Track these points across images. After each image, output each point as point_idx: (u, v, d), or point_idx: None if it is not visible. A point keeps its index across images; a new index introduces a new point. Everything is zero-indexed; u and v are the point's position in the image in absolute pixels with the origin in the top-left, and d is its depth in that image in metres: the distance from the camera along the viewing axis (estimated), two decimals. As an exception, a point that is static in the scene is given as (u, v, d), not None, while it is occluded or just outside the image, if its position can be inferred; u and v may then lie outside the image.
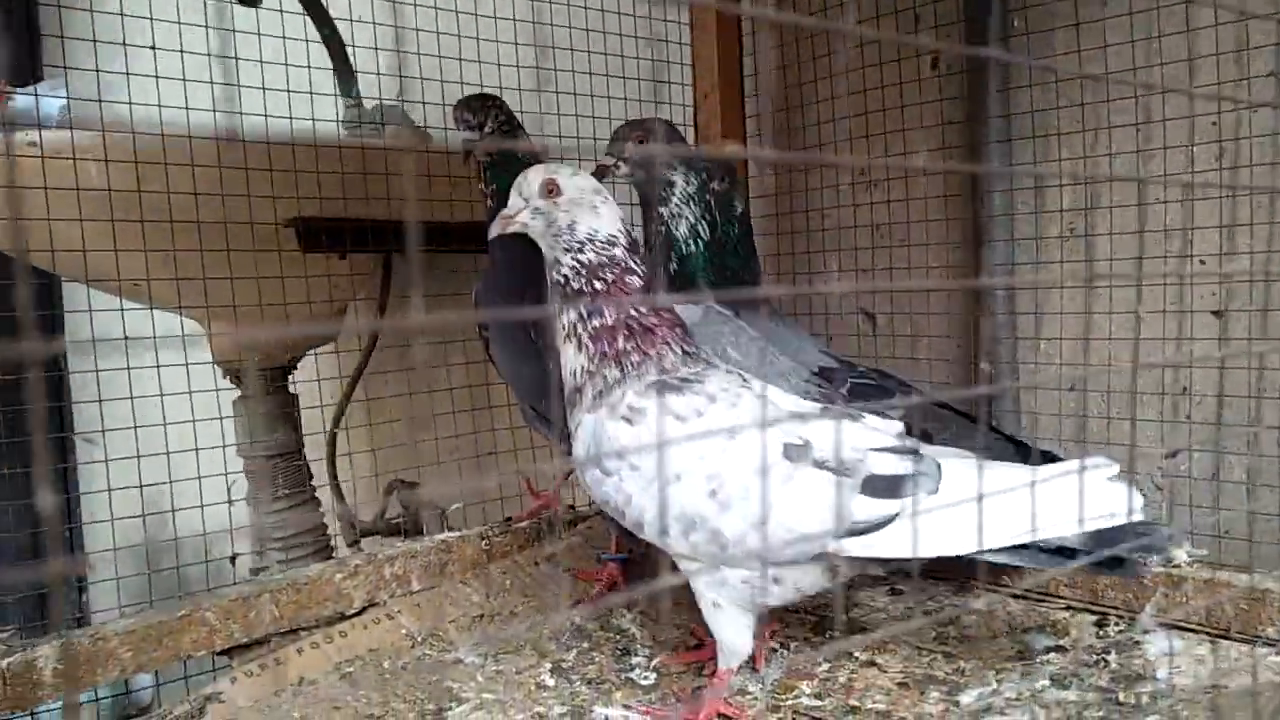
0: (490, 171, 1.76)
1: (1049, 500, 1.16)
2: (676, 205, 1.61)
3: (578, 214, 1.29)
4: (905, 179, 2.02)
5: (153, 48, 1.96)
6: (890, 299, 2.04)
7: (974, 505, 1.19)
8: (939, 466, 1.24)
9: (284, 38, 2.09)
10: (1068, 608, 1.56)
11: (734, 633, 1.28)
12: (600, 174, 1.65)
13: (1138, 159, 1.74)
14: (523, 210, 1.31)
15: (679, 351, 1.29)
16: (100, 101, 1.97)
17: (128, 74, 1.95)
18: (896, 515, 1.19)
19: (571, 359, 1.29)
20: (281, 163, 1.94)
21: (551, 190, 1.29)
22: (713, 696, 1.30)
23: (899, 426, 1.35)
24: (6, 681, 1.25)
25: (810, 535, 1.20)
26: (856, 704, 1.31)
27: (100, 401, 2.09)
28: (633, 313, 1.28)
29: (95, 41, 1.95)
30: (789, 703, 1.33)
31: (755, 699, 1.35)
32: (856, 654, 1.46)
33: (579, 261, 1.29)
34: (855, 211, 2.11)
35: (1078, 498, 1.16)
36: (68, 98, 2.20)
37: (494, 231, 1.35)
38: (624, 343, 1.27)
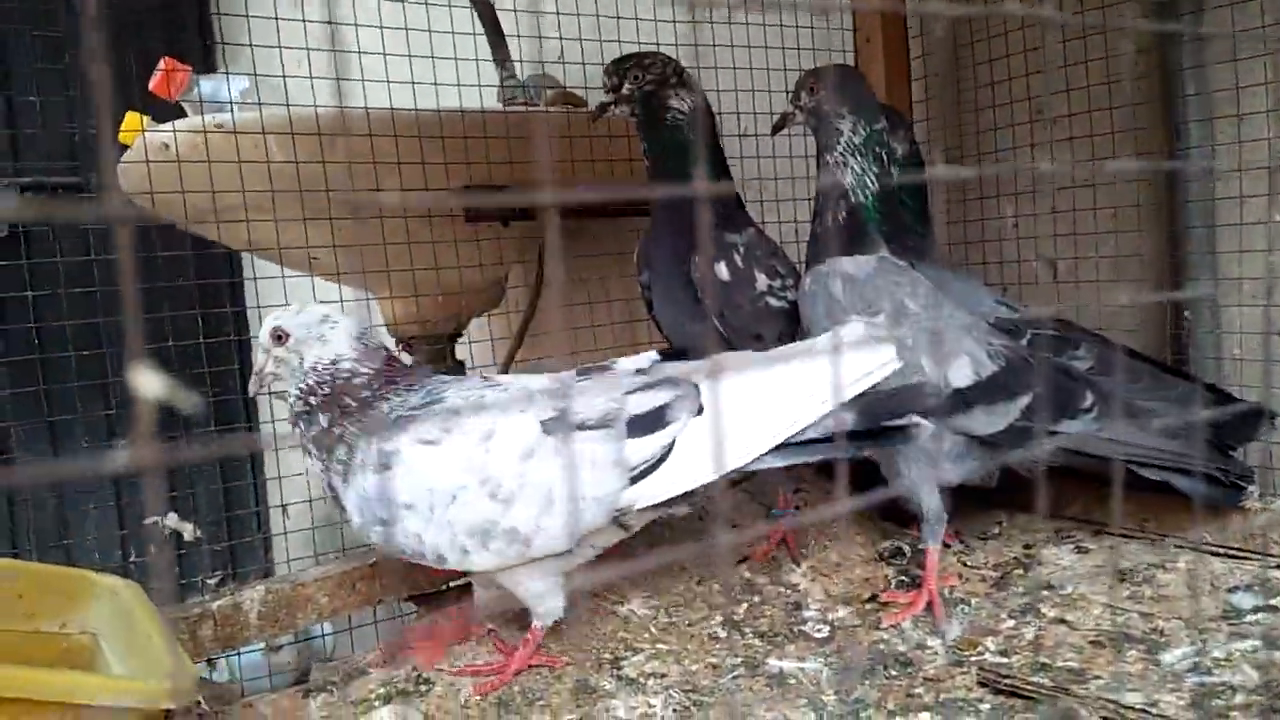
0: (642, 133, 1.74)
1: (810, 382, 1.23)
2: (840, 154, 1.56)
3: (305, 350, 1.31)
4: (1089, 113, 1.89)
5: (331, 22, 2.03)
6: (1074, 243, 1.92)
7: (742, 411, 1.22)
8: (696, 387, 1.26)
9: (450, 6, 2.13)
10: (1276, 566, 1.45)
11: (550, 601, 1.32)
12: (782, 123, 1.66)
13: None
14: (266, 363, 1.34)
15: (401, 393, 1.31)
16: (282, 77, 2.05)
17: (306, 48, 2.03)
18: (673, 443, 1.22)
19: (313, 472, 1.33)
20: (451, 134, 1.99)
21: (280, 337, 1.33)
22: (524, 654, 1.33)
23: (654, 356, 1.41)
24: (217, 623, 1.35)
25: (601, 496, 1.23)
26: (1047, 661, 1.25)
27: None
28: (346, 400, 1.29)
29: (277, 18, 2.03)
30: (973, 659, 1.29)
31: (936, 654, 1.31)
32: (1044, 610, 1.40)
33: (300, 389, 1.31)
34: (1033, 152, 1.99)
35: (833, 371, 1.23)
36: (246, 74, 2.32)
37: (251, 390, 1.37)
38: (338, 429, 1.28)
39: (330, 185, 1.89)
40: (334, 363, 1.31)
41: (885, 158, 1.59)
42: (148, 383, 0.34)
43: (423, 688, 1.32)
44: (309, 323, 1.33)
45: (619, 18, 2.13)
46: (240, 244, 2.34)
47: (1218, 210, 1.72)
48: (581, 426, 1.24)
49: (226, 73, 2.18)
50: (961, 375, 1.47)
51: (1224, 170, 1.72)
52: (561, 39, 2.13)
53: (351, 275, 2.25)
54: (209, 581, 1.42)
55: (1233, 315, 1.69)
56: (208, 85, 2.34)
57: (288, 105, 2.04)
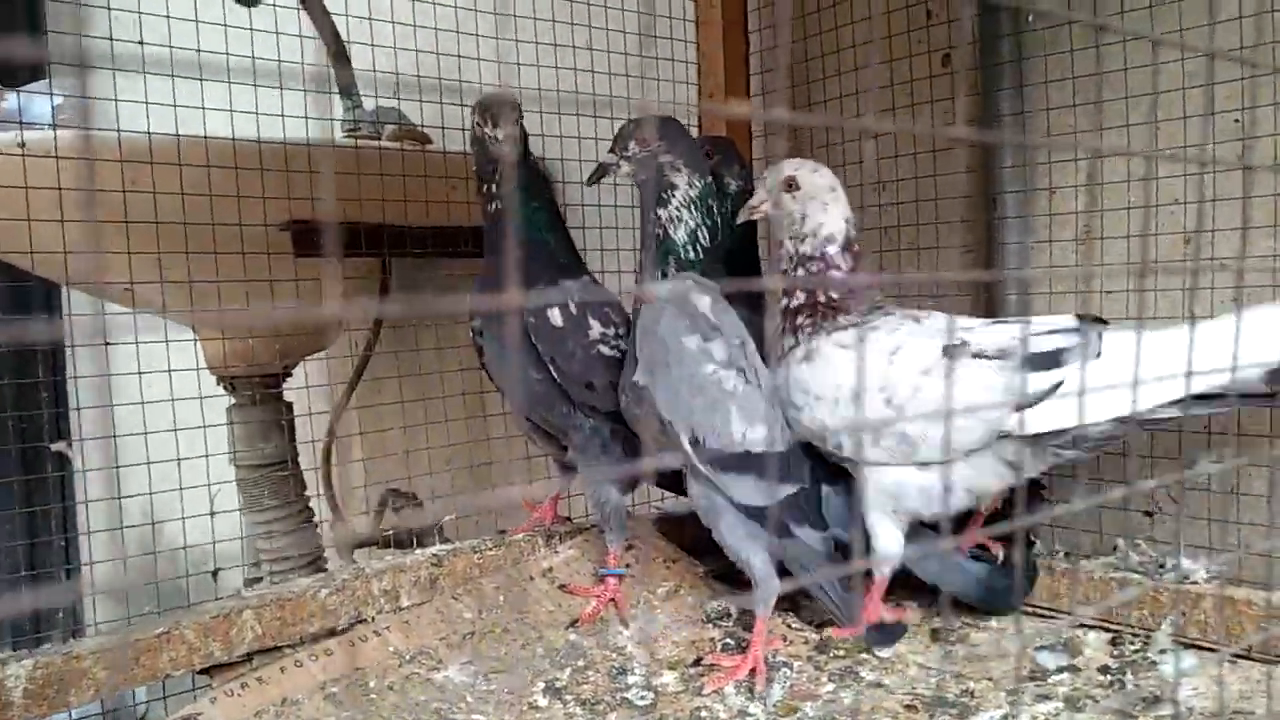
0: (501, 175, 1.66)
1: (1206, 350, 1.21)
2: (676, 209, 1.52)
3: (809, 208, 1.47)
4: (915, 180, 1.95)
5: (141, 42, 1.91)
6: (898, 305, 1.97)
7: (1135, 363, 1.25)
8: (1100, 336, 1.34)
9: (277, 32, 2.04)
10: (1079, 625, 1.50)
11: (887, 539, 1.45)
12: (601, 173, 1.57)
13: (1154, 163, 1.67)
14: (764, 202, 1.50)
15: (848, 314, 1.47)
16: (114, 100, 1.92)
17: (113, 69, 1.91)
18: (1061, 383, 1.31)
19: (769, 327, 1.51)
20: (275, 164, 1.89)
21: (790, 185, 1.47)
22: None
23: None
24: (-25, 702, 1.21)
25: (986, 418, 1.34)
26: (861, 729, 1.25)
27: (86, 407, 2.04)
28: (821, 298, 1.47)
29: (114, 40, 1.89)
30: (790, 726, 1.28)
31: (755, 719, 1.30)
32: (862, 674, 1.40)
33: (796, 250, 1.48)
34: (863, 214, 2.04)
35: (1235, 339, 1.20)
36: (57, 94, 2.17)
37: (740, 218, 1.55)
38: (803, 319, 1.47)
39: (138, 214, 1.76)
40: (828, 240, 1.46)
41: (714, 210, 1.55)
42: None
43: (214, 769, 1.22)
44: (819, 184, 1.47)
45: (480, 59, 2.09)
46: (56, 275, 2.17)
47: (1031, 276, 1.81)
48: (979, 355, 1.35)
49: (50, 90, 2.02)
50: (757, 439, 1.46)
51: (1037, 241, 1.81)
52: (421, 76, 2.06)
53: (177, 312, 2.11)
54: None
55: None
56: (12, 101, 2.18)
57: (83, 128, 1.90)
